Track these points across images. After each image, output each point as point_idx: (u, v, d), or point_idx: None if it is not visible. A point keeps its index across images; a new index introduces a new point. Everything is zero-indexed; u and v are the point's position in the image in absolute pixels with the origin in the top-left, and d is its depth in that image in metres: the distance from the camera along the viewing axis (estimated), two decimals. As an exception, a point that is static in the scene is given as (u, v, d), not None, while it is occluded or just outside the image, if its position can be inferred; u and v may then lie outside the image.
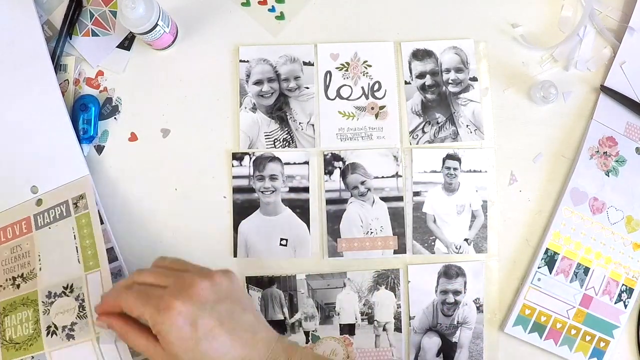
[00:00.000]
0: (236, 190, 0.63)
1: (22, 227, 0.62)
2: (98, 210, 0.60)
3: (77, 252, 0.60)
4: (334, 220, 0.63)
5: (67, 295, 0.59)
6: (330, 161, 0.63)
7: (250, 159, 0.63)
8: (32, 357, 0.58)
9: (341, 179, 0.63)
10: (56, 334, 0.58)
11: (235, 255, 0.62)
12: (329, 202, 0.63)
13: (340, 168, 0.63)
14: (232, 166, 0.63)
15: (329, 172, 0.63)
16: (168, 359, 0.49)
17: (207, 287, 0.49)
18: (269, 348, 0.50)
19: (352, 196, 0.63)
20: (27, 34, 0.63)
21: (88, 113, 0.63)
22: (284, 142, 0.64)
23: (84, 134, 0.63)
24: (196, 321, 0.47)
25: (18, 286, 0.60)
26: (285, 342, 0.52)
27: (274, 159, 0.63)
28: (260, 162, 0.63)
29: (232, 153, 0.63)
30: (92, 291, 0.58)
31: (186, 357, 0.48)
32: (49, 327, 0.58)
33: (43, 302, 0.59)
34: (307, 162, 0.63)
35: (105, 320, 0.52)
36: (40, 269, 0.60)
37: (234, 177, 0.63)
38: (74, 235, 0.60)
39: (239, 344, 0.49)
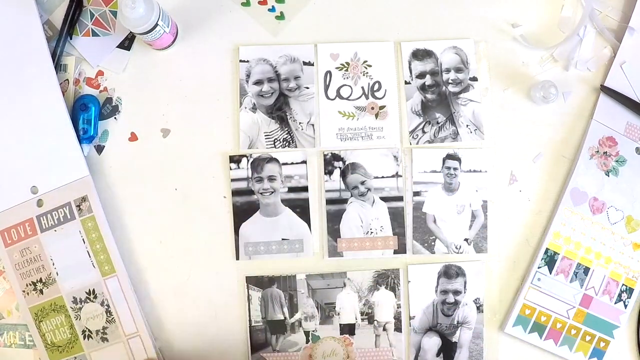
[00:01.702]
0: (235, 192, 0.63)
1: (27, 229, 0.62)
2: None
3: (90, 256, 0.61)
4: (334, 220, 0.63)
5: (92, 301, 0.61)
6: (330, 161, 0.63)
7: (248, 161, 0.63)
8: (75, 358, 0.61)
9: (341, 179, 0.63)
10: (92, 338, 0.61)
11: (237, 259, 0.62)
12: (329, 202, 0.63)
13: (340, 168, 0.63)
14: (230, 169, 0.63)
15: (329, 172, 0.63)
16: None
17: None
18: None
19: (352, 196, 0.63)
20: (27, 34, 0.63)
21: (88, 113, 0.63)
22: (284, 142, 0.64)
23: (84, 134, 0.63)
24: None
25: (41, 291, 0.62)
26: None
27: (272, 159, 0.63)
28: (258, 164, 0.63)
29: (230, 156, 0.63)
30: (114, 298, 0.60)
31: None
32: (83, 331, 0.61)
33: (71, 307, 0.61)
34: (304, 162, 0.63)
35: None
36: (57, 273, 0.61)
37: (232, 180, 0.63)
38: (83, 240, 0.61)
39: None
